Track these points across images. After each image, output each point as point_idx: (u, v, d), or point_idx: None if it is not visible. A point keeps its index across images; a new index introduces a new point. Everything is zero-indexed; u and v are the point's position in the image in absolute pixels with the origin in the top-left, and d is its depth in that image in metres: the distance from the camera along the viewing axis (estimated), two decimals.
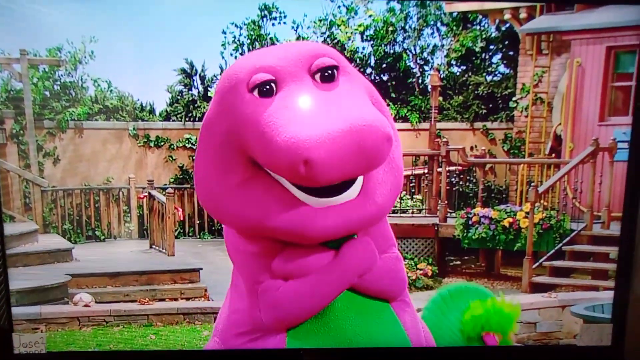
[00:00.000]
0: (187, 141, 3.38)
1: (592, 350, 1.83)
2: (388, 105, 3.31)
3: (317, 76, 1.21)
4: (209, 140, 1.27)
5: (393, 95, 3.35)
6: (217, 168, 1.25)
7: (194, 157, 1.32)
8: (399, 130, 3.40)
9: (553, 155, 3.20)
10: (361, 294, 1.35)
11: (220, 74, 3.31)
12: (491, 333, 1.48)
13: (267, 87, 1.19)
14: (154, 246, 3.19)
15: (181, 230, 3.23)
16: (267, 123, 1.15)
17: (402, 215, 3.26)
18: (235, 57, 3.10)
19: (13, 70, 2.90)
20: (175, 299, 2.91)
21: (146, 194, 3.21)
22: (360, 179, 1.23)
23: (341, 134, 1.08)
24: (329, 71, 1.21)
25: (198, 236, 3.30)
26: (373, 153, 1.12)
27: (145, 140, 3.26)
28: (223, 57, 3.07)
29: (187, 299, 2.93)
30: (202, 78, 3.29)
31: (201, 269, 2.99)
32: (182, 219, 3.18)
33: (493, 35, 3.30)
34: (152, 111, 3.28)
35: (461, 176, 3.33)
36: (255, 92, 1.19)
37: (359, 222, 1.25)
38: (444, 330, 1.55)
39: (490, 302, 1.50)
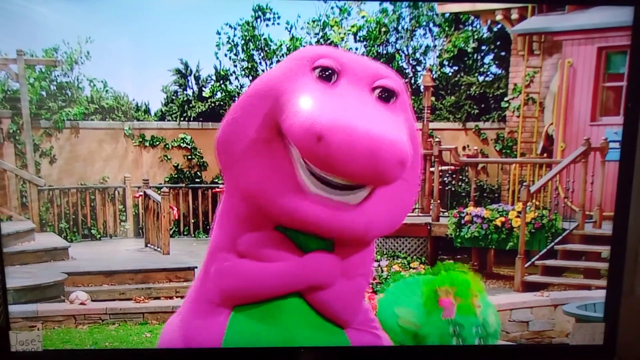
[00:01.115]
0: (182, 141, 3.38)
1: (585, 349, 1.82)
2: None
3: (376, 92, 1.26)
4: (259, 95, 1.30)
5: None
6: (252, 123, 1.27)
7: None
8: None
9: (545, 155, 3.21)
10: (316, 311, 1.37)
11: (215, 74, 3.32)
12: (447, 297, 1.48)
13: (327, 72, 1.25)
14: (149, 245, 3.18)
15: (176, 229, 3.22)
16: (307, 93, 1.20)
17: None
18: (230, 58, 3.11)
19: (10, 71, 2.88)
20: (171, 297, 2.91)
21: (141, 193, 3.21)
22: (364, 193, 1.27)
23: (360, 133, 1.12)
24: (387, 93, 1.26)
25: (193, 235, 3.30)
26: (381, 167, 1.14)
27: (141, 139, 3.26)
28: (217, 58, 3.08)
29: (182, 297, 2.91)
30: (197, 78, 3.29)
31: (196, 267, 2.98)
32: (177, 217, 3.18)
33: (485, 36, 3.30)
34: (147, 111, 3.26)
35: (454, 176, 3.33)
36: (316, 72, 1.25)
37: (341, 228, 1.27)
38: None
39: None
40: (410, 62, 3.33)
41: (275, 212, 1.28)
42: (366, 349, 1.46)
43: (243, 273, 1.36)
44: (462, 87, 3.35)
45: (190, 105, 3.34)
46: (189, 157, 3.28)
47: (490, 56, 3.35)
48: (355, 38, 3.17)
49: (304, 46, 3.06)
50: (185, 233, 3.30)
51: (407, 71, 3.30)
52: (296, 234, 1.34)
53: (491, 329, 1.56)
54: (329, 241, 1.34)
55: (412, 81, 3.34)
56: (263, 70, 3.08)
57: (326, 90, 1.24)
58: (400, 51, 3.29)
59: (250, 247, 1.35)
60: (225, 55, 3.12)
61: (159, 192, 3.13)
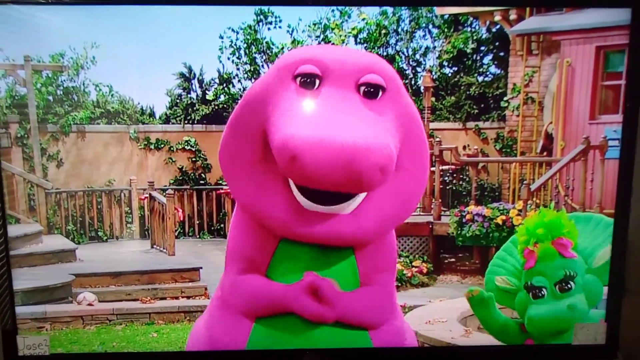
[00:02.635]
0: (186, 143, 3.37)
1: (587, 349, 1.78)
2: None
3: (362, 89, 1.23)
4: (245, 110, 1.28)
5: None
6: (242, 135, 1.27)
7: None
8: None
9: (544, 153, 3.18)
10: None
11: (218, 77, 3.30)
12: (527, 246, 1.45)
13: (309, 79, 1.22)
14: (155, 246, 3.18)
15: (181, 231, 3.22)
16: (286, 113, 1.18)
17: None
18: (232, 62, 3.11)
19: (17, 76, 2.89)
20: (176, 298, 2.92)
21: (147, 195, 3.20)
22: (358, 199, 1.24)
23: (334, 146, 1.10)
24: (373, 89, 1.23)
25: (198, 236, 3.29)
26: (358, 173, 1.12)
27: (146, 142, 3.25)
28: (220, 61, 3.06)
29: (188, 297, 2.93)
30: (200, 82, 3.28)
31: (201, 268, 3.01)
32: (182, 219, 3.18)
33: (484, 36, 3.28)
34: (152, 114, 3.26)
35: (454, 175, 3.32)
36: (298, 80, 1.23)
37: (340, 238, 1.26)
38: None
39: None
40: (410, 63, 3.32)
41: (273, 227, 1.27)
42: (368, 350, 1.43)
43: (250, 292, 1.34)
44: (462, 88, 3.34)
45: (194, 108, 3.33)
46: (194, 159, 3.28)
47: (490, 56, 3.33)
48: (355, 40, 3.16)
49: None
50: (190, 234, 3.29)
51: (407, 72, 3.29)
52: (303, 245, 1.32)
53: (597, 261, 1.49)
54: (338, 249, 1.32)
55: (413, 82, 3.33)
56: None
57: (306, 101, 1.21)
58: (400, 53, 3.28)
59: (257, 256, 1.35)
60: (228, 58, 3.10)
61: (164, 194, 3.13)
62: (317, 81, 1.22)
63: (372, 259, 1.35)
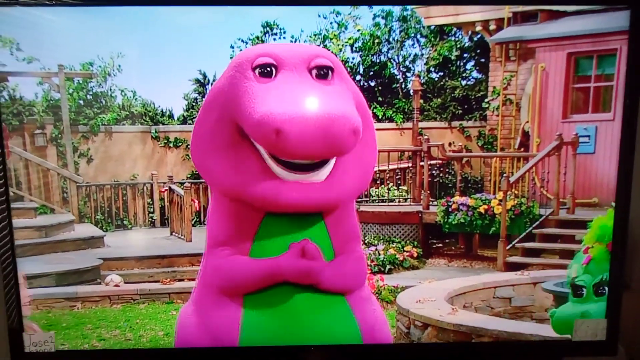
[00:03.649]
0: None
1: (587, 345, 1.67)
2: (375, 107, 3.34)
3: (314, 72, 1.25)
4: (210, 106, 1.31)
5: (380, 98, 3.38)
6: (210, 130, 1.29)
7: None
8: (386, 129, 3.43)
9: (522, 149, 3.22)
10: (318, 290, 1.34)
11: None
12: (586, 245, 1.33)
13: (267, 69, 1.24)
14: (174, 233, 3.22)
15: (197, 219, 3.21)
16: (256, 96, 1.20)
17: (389, 203, 3.27)
18: None
19: (52, 83, 2.98)
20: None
21: (167, 188, 3.25)
22: (329, 166, 1.28)
23: (312, 115, 1.14)
24: (324, 70, 1.26)
25: None
26: (337, 139, 1.16)
27: (165, 141, 3.32)
28: None
29: None
30: None
31: None
32: (198, 209, 3.17)
33: (466, 44, 3.32)
34: (171, 116, 3.33)
35: (441, 169, 3.34)
36: (257, 71, 1.24)
37: (318, 203, 1.29)
38: None
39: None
40: (401, 69, 3.36)
41: (256, 202, 1.28)
42: (375, 347, 1.40)
43: (232, 270, 1.35)
44: (447, 91, 3.38)
45: None
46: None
47: (472, 63, 3.37)
48: (352, 49, 3.21)
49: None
50: (205, 222, 3.21)
51: (398, 77, 3.33)
52: (282, 220, 1.33)
53: None
54: (317, 219, 1.34)
55: (403, 86, 3.36)
56: None
57: (269, 86, 1.22)
58: (391, 60, 3.32)
59: (241, 237, 1.35)
60: None
61: (182, 187, 3.15)
62: (274, 70, 1.23)
63: (342, 229, 1.37)
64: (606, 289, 1.32)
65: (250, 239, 1.35)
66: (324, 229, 1.36)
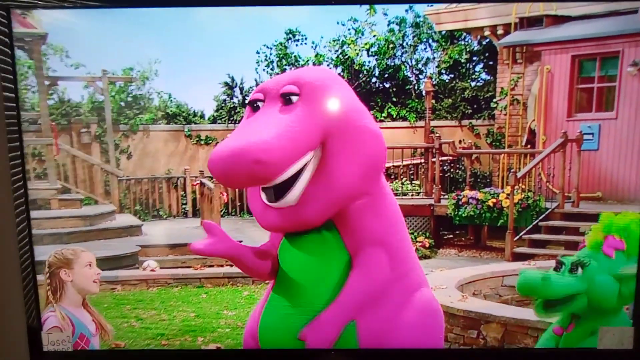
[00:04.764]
0: None
1: (613, 354, 1.52)
2: (390, 107, 3.34)
3: (283, 99, 1.23)
4: None
5: (394, 99, 3.42)
6: None
7: None
8: (400, 128, 3.41)
9: (528, 146, 3.22)
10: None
11: (255, 85, 3.30)
12: (615, 236, 1.25)
13: (256, 104, 1.26)
14: None
15: (225, 211, 3.26)
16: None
17: (403, 197, 3.30)
18: (267, 72, 3.21)
19: (96, 86, 3.10)
20: (222, 266, 2.93)
21: (198, 182, 3.31)
22: (296, 191, 1.24)
23: (218, 154, 1.16)
24: (287, 97, 1.23)
25: (239, 215, 3.36)
26: (235, 171, 1.15)
27: (197, 139, 3.38)
28: (257, 72, 3.20)
29: (231, 265, 2.72)
30: (241, 89, 3.39)
31: (241, 241, 2.96)
32: (226, 201, 3.22)
33: (475, 48, 3.34)
34: (202, 116, 3.42)
35: (452, 165, 3.37)
36: (253, 106, 1.27)
37: (296, 223, 1.28)
38: None
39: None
40: (414, 71, 3.39)
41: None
42: (394, 351, 1.34)
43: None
44: (457, 91, 3.40)
45: (236, 110, 3.43)
46: None
47: (481, 65, 3.40)
48: (368, 53, 3.24)
49: (326, 61, 3.14)
50: (232, 214, 3.35)
51: (411, 79, 3.36)
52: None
53: (624, 269, 1.27)
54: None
55: (416, 87, 3.39)
56: None
57: (245, 121, 1.26)
58: (405, 63, 3.35)
59: (275, 240, 1.38)
60: (264, 70, 3.22)
61: (212, 181, 3.18)
62: (261, 104, 1.25)
63: (354, 232, 1.31)
64: (579, 269, 1.28)
65: (279, 241, 1.38)
66: (334, 228, 1.32)
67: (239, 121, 3.69)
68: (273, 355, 1.35)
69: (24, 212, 1.59)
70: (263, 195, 1.27)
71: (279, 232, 1.34)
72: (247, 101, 1.27)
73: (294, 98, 1.22)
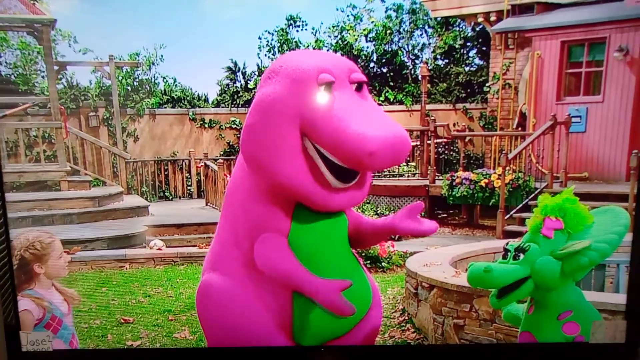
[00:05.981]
0: (232, 123, 3.46)
1: (605, 348, 1.47)
2: (387, 91, 3.32)
3: (354, 86, 1.23)
4: (270, 112, 1.23)
5: (392, 83, 3.45)
6: (274, 133, 1.23)
7: (247, 117, 1.26)
8: (397, 111, 3.39)
9: (519, 128, 3.25)
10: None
11: (257, 70, 3.38)
12: (550, 217, 1.21)
13: (329, 85, 1.21)
14: (209, 204, 3.30)
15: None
16: (339, 116, 1.17)
17: (399, 178, 3.34)
18: (269, 57, 3.27)
19: (104, 71, 3.13)
20: None
21: (202, 164, 3.33)
22: (357, 176, 1.26)
23: (394, 139, 1.14)
24: (361, 85, 1.24)
25: None
26: (404, 155, 1.18)
27: (201, 122, 3.39)
28: (259, 57, 3.28)
29: None
30: (244, 74, 3.41)
31: None
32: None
33: (469, 34, 3.36)
34: (206, 100, 3.44)
35: (446, 147, 3.40)
36: (322, 88, 1.21)
37: (355, 203, 1.32)
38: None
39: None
40: (410, 56, 3.41)
41: (307, 203, 1.26)
42: (383, 347, 1.37)
43: (277, 270, 1.26)
44: (452, 76, 3.42)
45: (239, 94, 3.45)
46: (238, 135, 3.32)
47: (474, 51, 3.42)
48: (366, 39, 3.27)
49: (326, 47, 3.19)
50: None
51: (407, 64, 3.39)
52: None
53: (563, 248, 1.21)
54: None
55: (412, 72, 3.42)
56: None
57: (345, 105, 1.19)
58: (402, 48, 3.37)
59: (281, 223, 1.28)
60: (265, 55, 3.27)
61: (216, 163, 3.22)
62: (332, 86, 1.21)
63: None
64: (521, 254, 1.22)
65: (289, 223, 1.30)
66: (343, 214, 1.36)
67: (242, 105, 3.58)
68: (265, 352, 1.29)
69: None
70: (331, 178, 1.22)
71: (340, 210, 1.31)
72: (320, 81, 1.19)
73: (363, 86, 1.22)
